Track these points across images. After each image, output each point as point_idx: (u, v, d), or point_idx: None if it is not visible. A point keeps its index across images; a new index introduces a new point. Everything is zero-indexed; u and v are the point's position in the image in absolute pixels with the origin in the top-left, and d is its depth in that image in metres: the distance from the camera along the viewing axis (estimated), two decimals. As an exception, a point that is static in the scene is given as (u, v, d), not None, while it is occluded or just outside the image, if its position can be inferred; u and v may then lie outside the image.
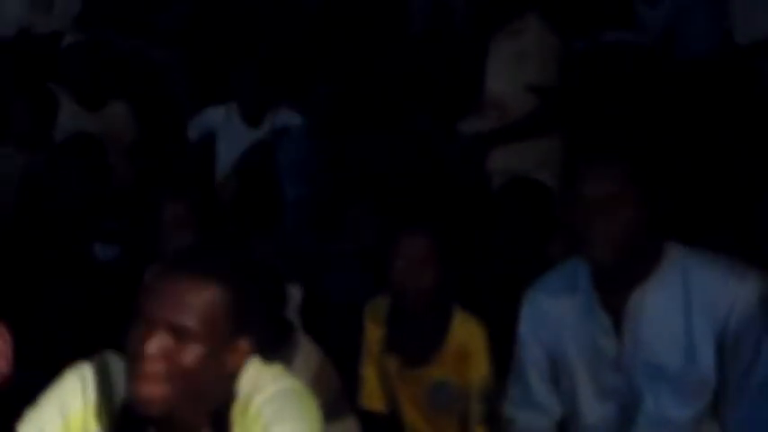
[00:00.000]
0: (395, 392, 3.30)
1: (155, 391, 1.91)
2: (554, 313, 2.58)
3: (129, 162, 5.21)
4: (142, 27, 5.99)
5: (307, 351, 3.20)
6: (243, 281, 2.01)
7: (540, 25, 4.46)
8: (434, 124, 4.86)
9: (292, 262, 3.74)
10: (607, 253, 2.37)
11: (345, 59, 5.26)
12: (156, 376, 1.91)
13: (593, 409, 2.55)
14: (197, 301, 1.93)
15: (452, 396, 3.21)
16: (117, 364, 2.05)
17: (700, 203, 3.92)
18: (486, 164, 4.51)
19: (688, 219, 2.83)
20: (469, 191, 4.41)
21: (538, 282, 2.66)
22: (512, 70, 4.44)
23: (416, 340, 3.25)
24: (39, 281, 4.00)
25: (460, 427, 3.21)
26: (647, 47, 4.75)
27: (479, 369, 3.16)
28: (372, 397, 3.35)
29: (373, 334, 3.33)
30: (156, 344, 1.91)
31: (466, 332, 3.20)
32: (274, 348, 2.81)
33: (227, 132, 5.20)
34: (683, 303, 2.42)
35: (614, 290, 2.47)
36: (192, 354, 1.93)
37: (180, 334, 1.92)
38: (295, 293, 3.52)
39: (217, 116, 5.28)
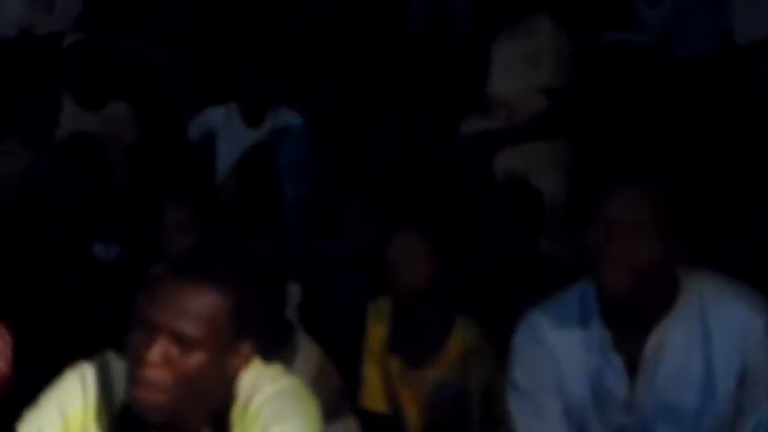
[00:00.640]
0: (396, 393, 3.30)
1: (156, 397, 1.91)
2: (557, 343, 2.36)
3: (130, 162, 5.21)
4: (143, 27, 5.98)
5: (307, 351, 3.19)
6: (245, 284, 1.99)
7: (552, 25, 4.43)
8: (434, 124, 4.86)
9: (292, 262, 3.73)
10: (626, 283, 2.19)
11: (345, 59, 5.26)
12: (158, 383, 1.90)
13: None
14: (200, 309, 1.91)
15: (454, 397, 3.21)
16: (117, 365, 2.04)
17: (699, 203, 3.90)
18: (492, 164, 4.49)
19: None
20: (469, 191, 4.40)
21: (541, 307, 2.43)
22: (522, 70, 4.41)
23: (418, 341, 3.25)
24: (39, 281, 4.00)
25: (461, 427, 3.21)
26: (647, 47, 4.74)
27: (482, 370, 3.16)
28: (374, 397, 3.35)
29: (376, 334, 3.33)
30: (158, 351, 1.90)
31: (468, 333, 3.20)
32: (274, 348, 2.80)
33: (228, 132, 5.20)
34: (703, 337, 2.27)
35: (628, 329, 2.29)
36: (194, 361, 1.92)
37: (183, 341, 1.91)
38: (295, 293, 3.52)
39: (217, 116, 5.28)
